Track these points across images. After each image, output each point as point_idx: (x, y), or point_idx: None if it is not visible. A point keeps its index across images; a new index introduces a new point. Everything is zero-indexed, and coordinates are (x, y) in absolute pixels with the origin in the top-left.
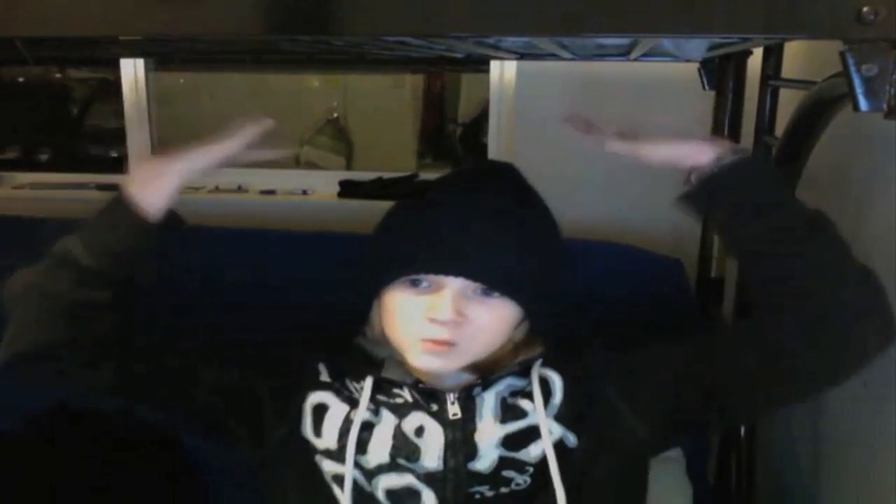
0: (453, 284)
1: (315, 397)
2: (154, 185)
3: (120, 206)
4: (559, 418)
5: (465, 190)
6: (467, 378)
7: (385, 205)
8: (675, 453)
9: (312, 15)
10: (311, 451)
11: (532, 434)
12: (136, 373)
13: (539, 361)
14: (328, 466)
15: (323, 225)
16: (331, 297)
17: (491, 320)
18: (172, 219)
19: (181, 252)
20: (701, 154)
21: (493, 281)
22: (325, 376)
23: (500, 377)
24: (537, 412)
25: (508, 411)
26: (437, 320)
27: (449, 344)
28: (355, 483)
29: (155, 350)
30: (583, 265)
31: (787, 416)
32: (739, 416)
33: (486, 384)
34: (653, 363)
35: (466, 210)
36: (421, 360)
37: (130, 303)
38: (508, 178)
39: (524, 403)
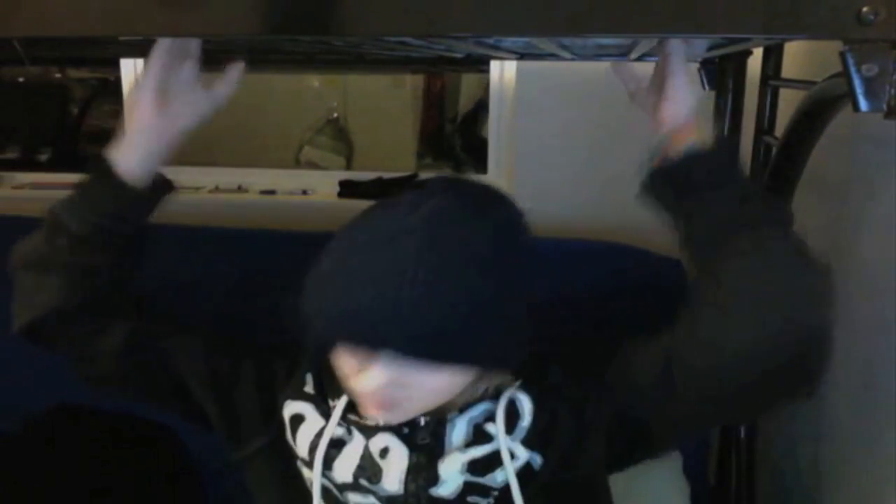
0: (386, 352)
1: (294, 407)
2: (136, 149)
3: (103, 173)
4: (526, 441)
5: (391, 241)
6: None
7: None
8: (673, 452)
9: (312, 15)
10: (293, 456)
11: (497, 459)
12: (140, 343)
13: (515, 385)
14: (306, 473)
15: (323, 225)
16: None
17: (435, 383)
18: (161, 182)
19: (181, 252)
20: (678, 129)
21: (427, 353)
22: (309, 387)
23: (474, 404)
24: (500, 438)
25: (476, 436)
26: (368, 388)
27: (392, 404)
28: (329, 492)
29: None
30: (583, 265)
31: (787, 416)
32: (684, 435)
33: (461, 409)
34: (610, 384)
35: (392, 273)
36: (369, 412)
37: (131, 263)
38: (441, 210)
39: (491, 428)
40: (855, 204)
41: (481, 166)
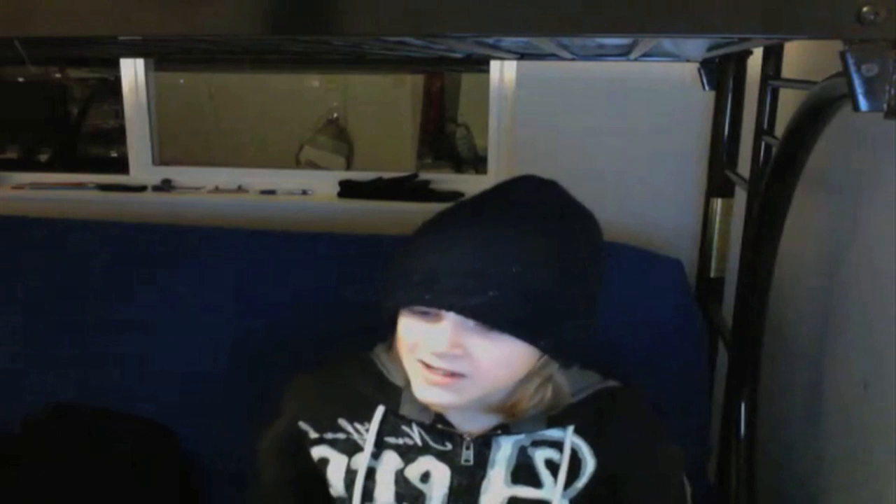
0: (451, 317)
1: (315, 452)
2: None
3: None
4: (575, 502)
5: (475, 218)
6: (489, 423)
7: (385, 205)
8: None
9: (312, 15)
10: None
11: None
12: None
13: (571, 428)
14: None
15: (323, 225)
16: (331, 298)
17: (496, 356)
18: None
19: (180, 252)
20: None
21: (488, 318)
22: (312, 433)
23: (523, 429)
24: (556, 493)
25: (523, 470)
26: (435, 352)
27: (453, 375)
28: None
29: None
30: None
31: (787, 417)
32: None
33: (508, 430)
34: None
35: (468, 241)
36: (426, 393)
37: None
38: (530, 202)
39: (543, 473)
40: (855, 204)
41: (481, 166)
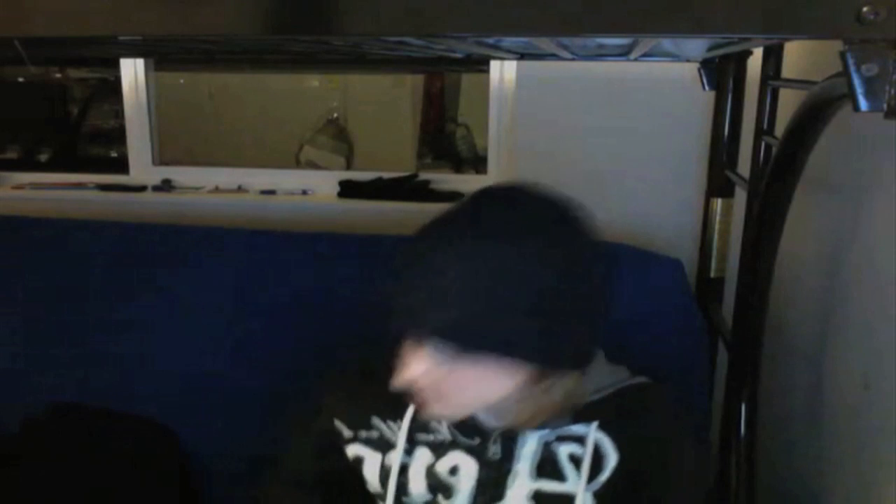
0: (429, 343)
1: (350, 450)
2: None
3: None
4: (599, 496)
5: (444, 240)
6: (513, 423)
7: (385, 205)
8: None
9: (312, 15)
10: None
11: (564, 501)
12: None
13: (595, 424)
14: None
15: (323, 225)
16: (331, 298)
17: (479, 378)
18: None
19: (180, 252)
20: None
21: (466, 342)
22: (346, 432)
23: (548, 425)
24: (580, 486)
25: (547, 464)
26: (405, 378)
27: (430, 401)
28: None
29: None
30: None
31: (787, 417)
32: None
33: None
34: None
35: (438, 266)
36: (422, 410)
37: None
38: (499, 213)
39: (567, 467)
40: (855, 204)
41: (481, 166)
